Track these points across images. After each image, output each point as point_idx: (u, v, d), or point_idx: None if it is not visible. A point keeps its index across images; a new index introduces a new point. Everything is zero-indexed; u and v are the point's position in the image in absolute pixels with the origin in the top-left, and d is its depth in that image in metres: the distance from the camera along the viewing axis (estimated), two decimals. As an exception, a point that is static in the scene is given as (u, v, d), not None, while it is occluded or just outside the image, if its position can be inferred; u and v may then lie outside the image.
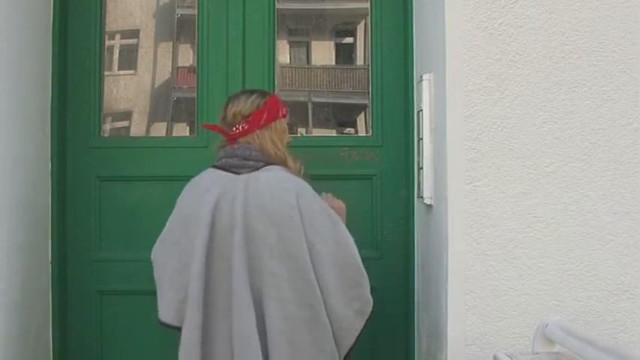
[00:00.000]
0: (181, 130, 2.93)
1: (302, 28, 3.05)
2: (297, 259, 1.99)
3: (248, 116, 2.11)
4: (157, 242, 2.17)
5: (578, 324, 2.19)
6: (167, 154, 2.74)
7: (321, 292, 2.00)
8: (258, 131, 2.12)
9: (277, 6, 2.83)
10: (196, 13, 2.82)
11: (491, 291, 2.21)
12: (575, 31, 2.23)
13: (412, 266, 2.72)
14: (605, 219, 2.23)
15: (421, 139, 2.49)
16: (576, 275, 2.23)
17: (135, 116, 2.90)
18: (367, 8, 2.86)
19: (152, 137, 2.88)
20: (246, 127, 2.11)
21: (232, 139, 2.13)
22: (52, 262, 2.64)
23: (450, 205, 2.21)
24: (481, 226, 2.22)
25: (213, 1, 2.80)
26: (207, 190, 2.06)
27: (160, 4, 2.93)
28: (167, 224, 2.15)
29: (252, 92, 2.20)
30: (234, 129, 2.12)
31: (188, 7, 2.90)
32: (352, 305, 2.04)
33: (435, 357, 2.35)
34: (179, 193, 2.16)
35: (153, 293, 2.70)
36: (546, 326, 2.12)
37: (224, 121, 2.16)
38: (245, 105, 2.13)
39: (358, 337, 2.08)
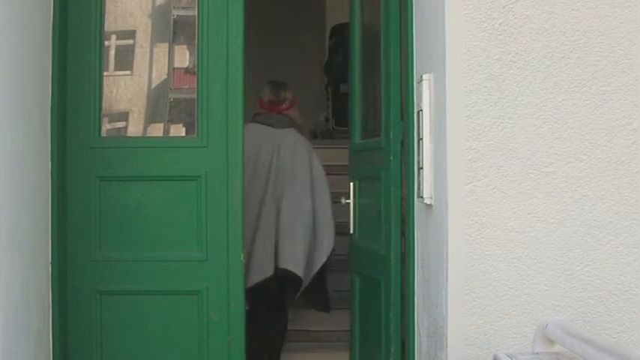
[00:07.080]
0: (178, 131, 2.93)
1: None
2: (303, 179, 3.60)
3: (292, 99, 3.81)
4: None
5: (578, 324, 2.18)
6: (167, 154, 2.74)
7: (316, 206, 3.62)
8: (293, 107, 3.80)
9: (277, 6, 2.84)
10: (196, 13, 2.81)
11: (491, 291, 2.21)
12: (575, 31, 2.23)
13: (412, 266, 2.72)
14: (605, 219, 2.23)
15: (421, 139, 2.49)
16: (576, 275, 2.23)
17: (132, 117, 2.90)
18: (367, 8, 2.86)
19: (152, 137, 2.88)
20: (290, 104, 3.78)
21: (279, 110, 3.75)
22: (52, 262, 2.64)
23: (450, 205, 2.21)
24: (481, 226, 2.21)
25: (213, 2, 2.80)
26: (256, 137, 3.53)
27: (158, 5, 2.93)
28: None
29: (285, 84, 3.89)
30: (283, 105, 3.76)
31: (184, 8, 2.90)
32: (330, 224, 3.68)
33: (435, 357, 2.35)
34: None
35: (153, 293, 2.74)
36: (546, 326, 2.12)
37: (274, 100, 3.77)
38: (291, 92, 3.82)
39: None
